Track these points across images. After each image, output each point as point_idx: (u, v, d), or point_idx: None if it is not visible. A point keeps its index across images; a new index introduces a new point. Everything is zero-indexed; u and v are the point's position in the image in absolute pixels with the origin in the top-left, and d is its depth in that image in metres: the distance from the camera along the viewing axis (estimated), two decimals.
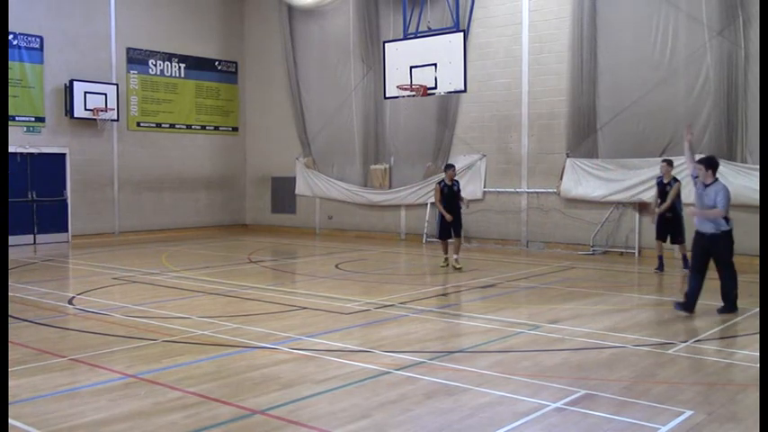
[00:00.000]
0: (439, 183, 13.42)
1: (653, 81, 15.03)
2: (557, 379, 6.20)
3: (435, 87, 15.18)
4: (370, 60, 19.55)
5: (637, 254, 15.23)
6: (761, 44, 12.70)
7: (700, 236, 8.89)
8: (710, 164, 8.87)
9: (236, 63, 23.21)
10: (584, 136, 16.03)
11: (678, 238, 12.59)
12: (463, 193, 17.79)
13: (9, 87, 18.22)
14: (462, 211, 13.52)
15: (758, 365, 6.34)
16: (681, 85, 14.77)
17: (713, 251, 8.78)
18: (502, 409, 5.50)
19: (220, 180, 22.90)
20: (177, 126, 21.83)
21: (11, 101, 18.24)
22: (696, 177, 8.91)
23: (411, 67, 15.56)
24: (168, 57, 21.50)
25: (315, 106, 21.30)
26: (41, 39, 18.70)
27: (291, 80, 21.67)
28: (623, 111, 15.45)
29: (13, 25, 18.14)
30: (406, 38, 16.28)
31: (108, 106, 19.58)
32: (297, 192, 21.95)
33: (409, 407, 5.52)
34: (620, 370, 6.61)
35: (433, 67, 15.19)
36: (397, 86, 15.66)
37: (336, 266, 14.12)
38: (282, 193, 22.53)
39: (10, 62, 18.18)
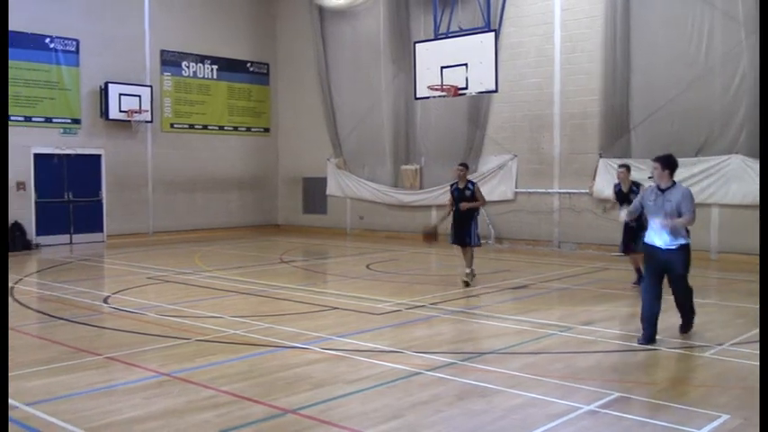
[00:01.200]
0: (451, 184, 12.14)
1: (687, 80, 14.81)
2: (590, 381, 6.14)
3: (466, 87, 15.12)
4: (400, 61, 19.55)
5: None
6: (761, 44, 12.48)
7: (653, 251, 7.54)
8: (668, 163, 7.51)
9: (267, 64, 23.36)
10: (616, 136, 15.86)
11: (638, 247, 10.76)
12: (494, 195, 17.85)
13: (47, 90, 18.57)
14: (480, 215, 12.22)
15: None
16: (716, 83, 14.54)
17: (669, 268, 7.49)
18: (534, 411, 5.46)
19: (252, 181, 23.07)
20: (210, 127, 22.04)
21: (49, 103, 18.58)
22: (651, 178, 7.75)
23: (442, 68, 15.52)
24: (201, 59, 21.72)
25: (346, 107, 21.36)
26: (78, 42, 19.00)
27: (322, 81, 21.76)
28: (657, 110, 15.26)
29: (50, 28, 18.48)
30: (436, 38, 16.24)
31: (142, 108, 19.83)
32: (328, 192, 22.03)
33: (441, 408, 5.51)
34: (655, 372, 6.53)
35: (464, 67, 15.13)
36: (428, 87, 15.63)
37: (367, 267, 14.14)
38: (314, 193, 22.62)
39: (47, 65, 18.51)
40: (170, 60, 21.03)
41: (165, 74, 20.95)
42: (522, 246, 17.27)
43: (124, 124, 19.81)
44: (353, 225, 21.41)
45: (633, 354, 7.13)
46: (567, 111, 16.74)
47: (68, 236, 19.03)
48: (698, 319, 8.44)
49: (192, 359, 7.01)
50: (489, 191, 18.12)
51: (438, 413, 5.39)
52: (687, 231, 7.48)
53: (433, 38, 16.36)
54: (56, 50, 18.70)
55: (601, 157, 16.06)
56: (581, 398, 5.69)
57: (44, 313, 9.73)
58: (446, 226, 12.98)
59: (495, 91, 15.14)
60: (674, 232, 7.40)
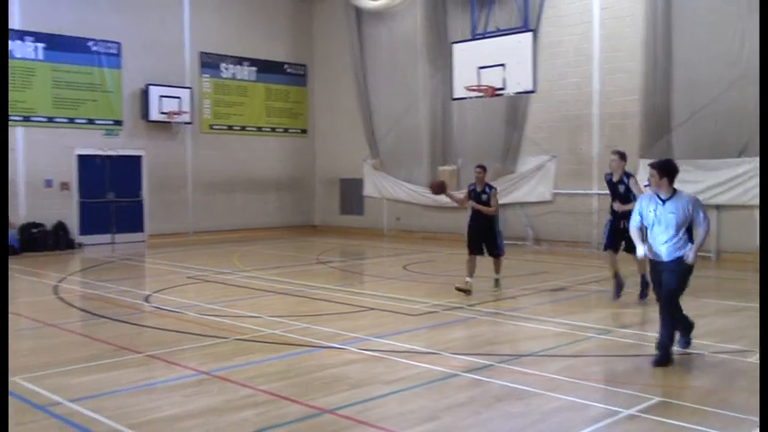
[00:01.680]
0: (469, 186, 11.49)
1: (730, 78, 14.53)
2: (630, 385, 6.06)
3: (504, 88, 15.06)
4: (437, 62, 19.51)
5: (714, 257, 14.75)
6: (761, 44, 12.21)
7: (656, 265, 6.85)
8: (667, 170, 6.62)
9: (304, 65, 23.50)
10: (657, 136, 15.63)
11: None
12: (532, 197, 17.72)
13: (89, 92, 18.92)
14: (501, 223, 11.45)
15: None
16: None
17: (664, 281, 6.77)
18: (573, 414, 5.41)
19: (290, 181, 23.22)
20: (248, 128, 22.24)
21: (91, 105, 18.94)
22: (647, 186, 6.97)
23: (479, 68, 15.48)
24: (239, 60, 21.93)
25: (383, 108, 21.39)
26: (119, 45, 19.33)
27: (359, 82, 21.82)
28: (700, 110, 14.99)
29: (92, 32, 18.84)
30: (474, 38, 16.20)
31: (182, 109, 20.10)
32: (365, 193, 22.08)
33: (478, 410, 5.48)
34: (697, 377, 6.42)
35: (502, 67, 15.07)
36: (465, 87, 15.59)
37: (404, 268, 14.14)
38: (350, 194, 22.69)
39: (89, 67, 18.87)
40: (209, 62, 21.28)
41: (204, 76, 21.20)
42: (560, 247, 17.11)
43: (164, 126, 20.10)
44: (390, 226, 21.43)
45: (674, 357, 7.01)
46: (607, 110, 16.55)
47: (110, 235, 19.36)
48: (741, 323, 8.29)
49: (231, 358, 7.08)
50: (527, 192, 18.03)
51: (475, 415, 5.37)
52: (692, 241, 6.71)
53: (470, 38, 16.32)
54: (98, 53, 19.04)
55: (641, 157, 15.83)
56: (620, 402, 5.62)
57: (87, 311, 9.92)
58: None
59: (533, 91, 15.05)
60: (679, 244, 6.65)
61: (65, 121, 18.57)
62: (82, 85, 18.81)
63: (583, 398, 5.73)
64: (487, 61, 15.27)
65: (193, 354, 7.29)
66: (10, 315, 9.71)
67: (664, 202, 6.67)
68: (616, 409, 5.46)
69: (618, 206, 9.87)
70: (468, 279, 10.73)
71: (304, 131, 23.62)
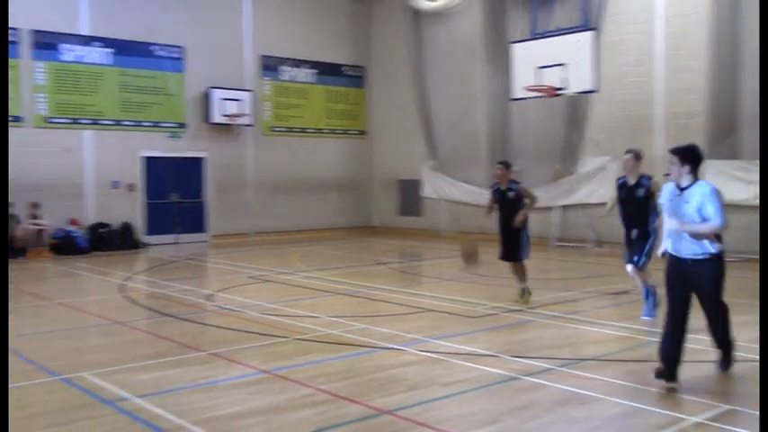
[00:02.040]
0: (492, 186, 10.59)
1: None
2: (696, 392, 5.90)
3: (564, 88, 14.86)
4: (496, 62, 19.37)
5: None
6: (761, 44, 11.72)
7: (675, 262, 6.10)
8: (690, 156, 5.98)
9: (363, 67, 23.63)
10: (724, 136, 15.19)
11: (640, 257, 9.05)
12: (592, 198, 17.39)
13: (154, 96, 19.41)
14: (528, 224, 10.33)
15: None
16: None
17: (696, 283, 6.05)
18: (636, 421, 5.31)
19: (349, 183, 23.37)
20: (307, 130, 22.48)
21: (156, 108, 19.43)
22: (667, 175, 6.17)
23: (539, 68, 15.32)
24: (299, 63, 22.19)
25: (441, 109, 21.34)
26: (183, 49, 19.77)
27: (418, 83, 21.82)
28: None
29: (157, 37, 19.33)
30: (533, 38, 16.04)
31: (243, 112, 20.43)
32: (423, 194, 22.07)
33: (539, 414, 5.43)
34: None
35: (562, 67, 14.88)
36: (525, 88, 15.45)
37: (463, 269, 14.07)
38: (409, 195, 22.71)
39: (154, 71, 19.36)
40: (269, 65, 21.59)
41: (265, 78, 21.52)
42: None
43: (226, 128, 20.47)
44: (448, 227, 21.37)
45: (744, 364, 6.80)
46: (671, 110, 16.16)
47: (174, 236, 19.81)
48: None
49: (291, 357, 7.17)
50: (587, 194, 17.73)
51: (535, 419, 5.31)
52: (718, 237, 6.00)
53: (529, 38, 16.16)
54: (163, 58, 19.52)
55: (707, 158, 15.41)
56: (686, 409, 5.48)
57: (152, 310, 10.17)
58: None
59: (594, 91, 14.79)
60: (695, 240, 5.93)
61: (131, 124, 19.09)
62: (147, 89, 19.30)
63: (646, 404, 5.62)
64: (547, 61, 15.10)
65: (254, 352, 7.40)
66: (79, 312, 10.05)
67: (682, 191, 5.97)
68: (681, 416, 5.32)
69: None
70: (520, 285, 10.20)
71: (362, 133, 23.75)
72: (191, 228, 20.09)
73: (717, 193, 5.85)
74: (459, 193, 20.79)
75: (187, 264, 15.95)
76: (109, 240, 18.10)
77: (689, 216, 5.87)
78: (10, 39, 17.20)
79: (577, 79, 14.71)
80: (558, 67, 14.91)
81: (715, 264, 5.99)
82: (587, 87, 14.74)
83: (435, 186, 21.59)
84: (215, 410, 5.56)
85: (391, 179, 23.32)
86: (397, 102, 22.83)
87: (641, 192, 8.75)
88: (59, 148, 17.91)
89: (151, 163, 19.38)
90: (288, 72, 22.03)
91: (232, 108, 20.24)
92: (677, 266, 6.09)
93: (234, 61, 20.84)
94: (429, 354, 7.25)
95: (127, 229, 18.69)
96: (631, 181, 8.84)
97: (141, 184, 19.25)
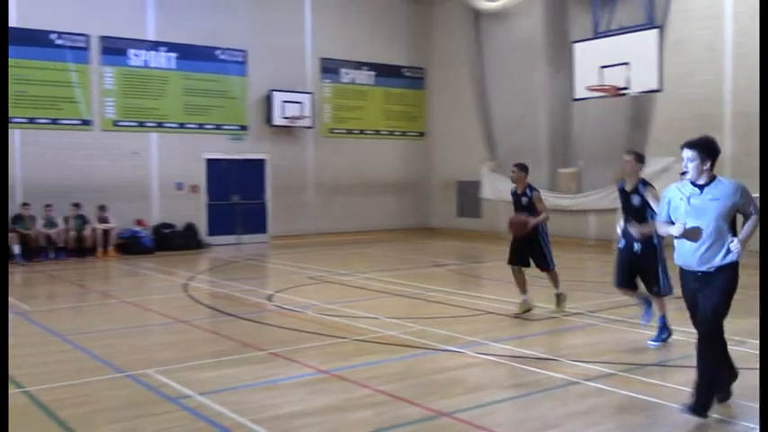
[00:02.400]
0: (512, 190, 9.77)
1: None
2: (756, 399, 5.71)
3: (627, 87, 14.58)
4: (557, 62, 19.13)
5: None
6: (761, 44, 11.16)
7: (687, 278, 5.34)
8: (710, 150, 5.17)
9: (423, 69, 23.62)
10: None
11: (655, 282, 7.77)
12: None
13: (217, 99, 19.80)
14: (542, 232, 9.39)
15: None
16: None
17: (700, 301, 5.27)
18: (702, 429, 5.16)
19: (408, 184, 23.39)
20: (366, 132, 22.59)
21: (219, 111, 19.81)
22: (684, 174, 5.36)
23: (601, 67, 15.07)
24: (358, 65, 22.32)
25: (500, 109, 21.18)
26: (245, 52, 20.10)
27: (477, 84, 21.71)
28: None
29: (220, 41, 19.70)
30: (596, 37, 15.80)
31: (304, 114, 20.66)
32: (482, 196, 21.94)
33: (599, 420, 5.33)
34: None
35: (625, 66, 14.61)
36: (587, 87, 15.21)
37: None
38: (468, 196, 22.60)
39: (217, 75, 19.74)
40: (329, 68, 21.78)
41: (325, 81, 21.71)
42: None
43: (287, 130, 20.73)
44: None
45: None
46: (740, 109, 15.67)
47: (236, 236, 20.14)
48: None
49: (350, 358, 7.21)
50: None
51: (596, 425, 5.22)
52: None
53: (592, 37, 15.91)
54: (225, 61, 19.89)
55: None
56: (755, 418, 5.30)
57: (214, 309, 10.37)
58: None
59: (659, 90, 14.46)
60: (717, 246, 5.10)
61: (195, 126, 19.50)
62: (211, 93, 19.70)
63: (712, 411, 5.45)
64: (610, 60, 14.85)
65: (313, 352, 7.47)
66: (145, 310, 10.31)
67: (701, 188, 5.18)
68: (750, 425, 5.16)
69: (635, 229, 7.46)
70: (523, 297, 9.41)
71: (422, 134, 23.74)
72: (251, 228, 20.40)
73: (746, 186, 5.26)
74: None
75: (248, 264, 16.21)
76: (173, 240, 18.52)
77: (716, 217, 5.09)
78: (80, 45, 17.80)
79: (641, 78, 14.43)
80: (622, 66, 14.65)
81: (728, 278, 5.18)
82: (651, 86, 14.44)
83: (494, 188, 21.42)
84: (275, 409, 5.63)
85: (450, 180, 23.24)
86: (456, 103, 22.75)
87: (637, 200, 7.66)
88: (126, 150, 18.42)
89: (214, 165, 19.76)
90: (347, 74, 22.18)
91: (292, 110, 20.48)
92: (688, 281, 5.33)
93: (294, 64, 21.09)
94: (488, 356, 7.20)
95: (190, 229, 19.10)
96: (629, 186, 7.76)
97: (204, 186, 19.65)
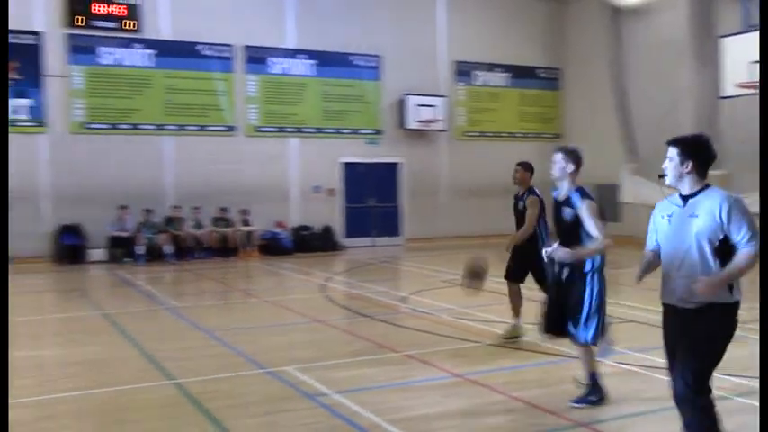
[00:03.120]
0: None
1: None
2: None
3: None
4: (703, 58, 18.15)
5: None
6: (761, 44, 9.88)
7: (670, 317, 4.26)
8: (693, 149, 4.16)
9: (558, 69, 23.12)
10: None
11: (576, 325, 5.76)
12: None
13: (353, 104, 20.25)
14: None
15: None
16: None
17: (681, 342, 4.13)
18: None
19: (543, 187, 22.92)
20: (500, 134, 22.37)
21: (355, 116, 20.26)
22: (662, 177, 4.33)
23: (752, 63, 14.19)
24: (492, 67, 22.16)
25: (641, 109, 20.37)
26: (380, 58, 20.44)
27: (616, 83, 20.98)
28: None
29: (356, 47, 20.13)
30: (746, 31, 14.89)
31: (437, 117, 20.74)
32: (621, 199, 21.17)
33: None
34: None
35: None
36: (736, 84, 14.37)
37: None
38: (606, 200, 21.84)
39: (353, 80, 20.20)
40: (463, 70, 21.76)
41: (459, 84, 21.70)
42: None
43: (421, 133, 20.89)
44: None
45: None
46: None
47: (371, 238, 20.50)
48: None
49: (484, 362, 7.16)
50: None
51: None
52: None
53: (741, 30, 15.01)
54: (361, 67, 20.30)
55: None
56: None
57: (350, 309, 10.60)
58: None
59: None
60: (701, 276, 3.96)
61: (332, 131, 20.04)
62: (347, 98, 20.18)
63: None
64: None
65: (447, 355, 7.47)
66: (284, 309, 10.68)
67: (685, 200, 4.12)
68: None
69: (562, 252, 5.52)
70: (513, 321, 8.09)
71: (557, 136, 23.22)
72: (386, 231, 20.70)
73: (743, 205, 4.01)
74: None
75: (382, 266, 16.45)
76: (311, 242, 19.11)
77: (695, 237, 3.98)
78: (225, 55, 18.72)
79: None
80: None
81: (715, 320, 4.04)
82: None
83: (635, 191, 20.61)
84: (410, 411, 5.68)
85: (587, 183, 22.40)
86: (593, 103, 22.09)
87: (568, 212, 5.84)
88: (267, 155, 19.19)
89: (350, 168, 20.21)
90: (481, 77, 22.07)
91: (426, 114, 20.62)
92: (671, 321, 4.24)
93: (428, 68, 21.22)
94: (627, 366, 6.94)
95: (327, 231, 19.64)
96: (562, 195, 5.95)
97: (340, 189, 20.13)
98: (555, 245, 5.57)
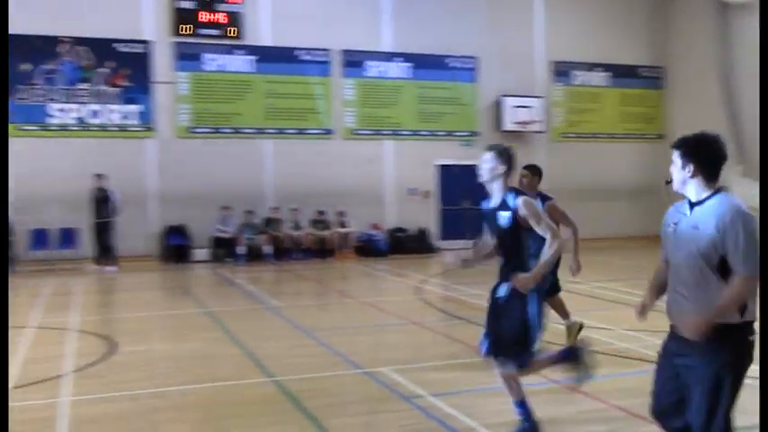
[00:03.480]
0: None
1: None
2: None
3: None
4: None
5: None
6: (761, 44, 8.64)
7: (672, 344, 3.88)
8: (698, 151, 3.84)
9: (661, 68, 22.37)
10: None
11: (512, 346, 5.34)
12: None
13: (449, 106, 20.24)
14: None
15: None
16: None
17: (688, 380, 3.64)
18: None
19: (644, 189, 22.24)
20: (599, 135, 21.84)
21: (450, 118, 20.25)
22: (668, 183, 4.00)
23: None
24: (590, 67, 21.67)
25: (751, 107, 19.43)
26: (476, 59, 20.33)
27: (724, 81, 20.11)
28: None
29: (452, 49, 20.13)
30: None
31: (534, 119, 20.45)
32: None
33: None
34: None
35: None
36: None
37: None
38: None
39: (449, 83, 20.19)
40: (561, 71, 21.37)
41: (557, 84, 21.33)
42: None
43: (518, 135, 20.62)
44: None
45: None
46: None
47: (465, 241, 20.39)
48: None
49: None
50: None
51: None
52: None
53: None
54: (457, 69, 20.26)
55: None
56: None
57: (445, 312, 10.60)
58: None
59: None
60: (702, 295, 3.52)
61: (427, 133, 20.08)
62: (442, 100, 20.18)
63: None
64: None
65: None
66: (379, 311, 10.79)
67: (692, 206, 3.68)
68: None
69: (518, 281, 5.04)
70: (565, 322, 8.09)
71: (660, 136, 22.46)
72: (481, 233, 20.53)
73: (746, 217, 3.49)
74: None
75: (478, 269, 16.25)
76: (406, 244, 19.20)
77: (697, 252, 3.50)
78: (323, 59, 19.07)
79: None
80: None
81: (726, 351, 3.48)
82: None
83: (744, 193, 19.68)
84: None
85: None
86: (699, 102, 21.24)
87: (505, 218, 5.22)
88: (363, 158, 19.42)
89: (445, 171, 20.19)
90: (580, 77, 21.62)
91: (523, 115, 20.37)
92: (672, 353, 3.80)
93: (525, 69, 20.96)
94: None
95: (422, 233, 19.68)
96: (494, 200, 5.42)
97: (435, 191, 20.14)
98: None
